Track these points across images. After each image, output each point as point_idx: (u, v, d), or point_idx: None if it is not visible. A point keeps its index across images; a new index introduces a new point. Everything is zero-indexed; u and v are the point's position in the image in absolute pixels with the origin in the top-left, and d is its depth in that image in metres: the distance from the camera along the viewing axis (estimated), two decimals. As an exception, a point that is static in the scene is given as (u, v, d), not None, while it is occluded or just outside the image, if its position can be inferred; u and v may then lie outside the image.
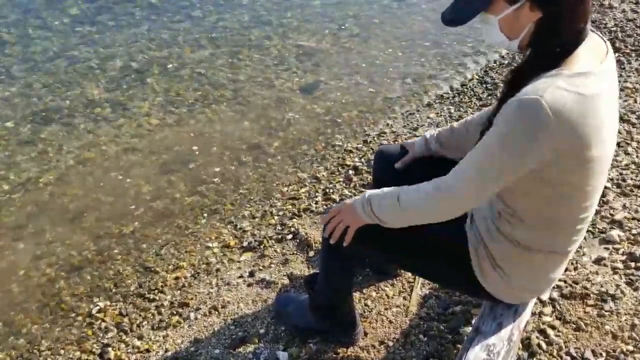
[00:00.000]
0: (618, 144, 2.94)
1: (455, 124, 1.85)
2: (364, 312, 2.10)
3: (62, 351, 2.11)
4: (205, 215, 2.83)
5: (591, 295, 2.03)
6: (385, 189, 1.52)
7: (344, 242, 1.60)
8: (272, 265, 2.42)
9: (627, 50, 4.05)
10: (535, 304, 2.00)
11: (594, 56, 1.27)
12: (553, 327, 1.92)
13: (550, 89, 1.16)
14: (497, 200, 1.46)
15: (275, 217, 2.75)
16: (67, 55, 4.44)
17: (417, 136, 3.35)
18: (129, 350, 2.07)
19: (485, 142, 1.28)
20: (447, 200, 1.37)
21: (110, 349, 2.08)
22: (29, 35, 4.74)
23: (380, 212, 1.49)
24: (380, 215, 1.49)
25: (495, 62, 4.29)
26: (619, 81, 3.60)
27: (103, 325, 2.21)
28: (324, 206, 2.76)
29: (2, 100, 3.83)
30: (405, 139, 3.33)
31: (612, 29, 4.41)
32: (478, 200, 1.36)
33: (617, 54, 4.01)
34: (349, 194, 2.83)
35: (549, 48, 1.23)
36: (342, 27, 4.96)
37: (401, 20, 5.06)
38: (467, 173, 1.32)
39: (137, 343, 2.09)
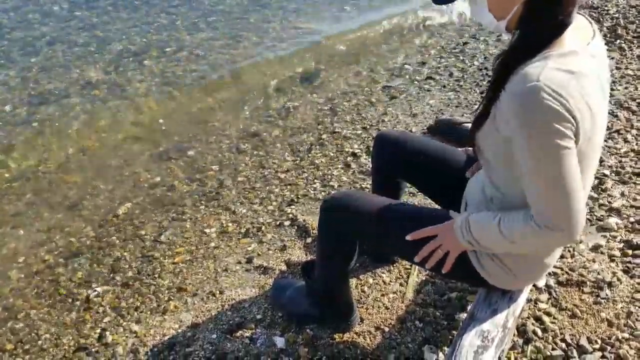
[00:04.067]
0: (617, 131, 2.93)
1: None
2: (361, 298, 2.10)
3: (60, 335, 2.12)
4: (204, 201, 2.83)
5: (587, 282, 2.03)
6: (482, 215, 1.41)
7: (442, 269, 1.52)
8: (270, 252, 2.42)
9: (629, 37, 4.02)
10: (531, 291, 2.00)
11: (580, 37, 1.26)
12: (549, 314, 1.92)
13: (544, 71, 1.15)
14: (489, 186, 1.46)
15: (274, 204, 2.76)
16: (66, 39, 4.43)
17: (418, 123, 3.35)
18: (126, 335, 2.08)
19: (528, 160, 1.21)
20: (561, 239, 1.28)
21: (108, 333, 2.09)
22: (28, 19, 4.73)
23: (483, 241, 1.41)
24: (483, 243, 1.41)
25: (495, 48, 4.27)
26: (620, 68, 3.58)
27: (101, 310, 2.22)
28: (322, 193, 2.76)
29: (1, 85, 3.82)
30: (406, 127, 3.32)
31: (614, 15, 4.38)
32: (583, 212, 1.26)
33: (618, 41, 3.99)
34: (347, 180, 2.83)
35: (538, 30, 1.22)
36: (343, 11, 4.93)
37: (401, 8, 5.03)
38: (548, 201, 1.24)
39: (135, 327, 2.11)
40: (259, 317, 2.07)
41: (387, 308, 2.05)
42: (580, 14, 1.33)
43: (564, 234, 1.25)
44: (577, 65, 1.19)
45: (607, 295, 1.98)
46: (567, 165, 1.19)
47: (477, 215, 1.42)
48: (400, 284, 2.16)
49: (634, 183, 2.54)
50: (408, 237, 1.53)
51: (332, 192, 2.75)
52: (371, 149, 2.07)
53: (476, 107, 1.63)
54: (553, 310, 1.94)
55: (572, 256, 2.18)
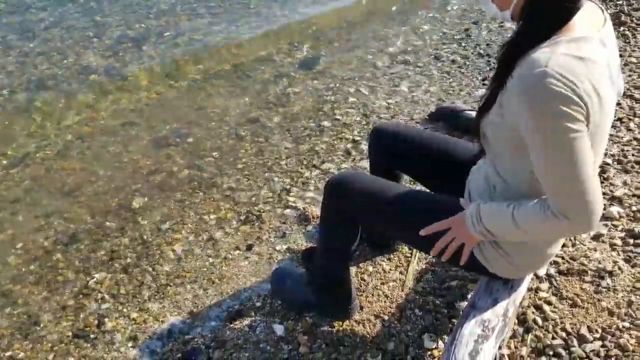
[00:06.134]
0: (620, 120, 2.91)
1: None
2: (361, 286, 2.09)
3: (59, 322, 2.11)
4: (203, 188, 2.81)
5: (588, 271, 2.02)
6: (494, 205, 1.39)
7: (460, 261, 1.52)
8: (270, 239, 2.41)
9: (633, 25, 3.98)
10: (532, 279, 1.99)
11: (590, 24, 1.24)
12: (549, 303, 1.92)
13: (553, 56, 1.12)
14: (493, 174, 1.44)
15: (273, 191, 2.74)
16: (64, 24, 4.39)
17: (418, 110, 3.32)
18: (125, 321, 2.08)
19: (542, 151, 1.18)
20: (579, 228, 1.26)
21: (107, 319, 2.09)
22: (26, 3, 4.69)
23: (496, 230, 1.38)
24: (496, 233, 1.39)
25: (497, 35, 4.23)
26: (624, 56, 3.55)
27: (100, 296, 2.21)
28: (322, 180, 2.74)
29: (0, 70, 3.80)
30: (407, 114, 3.30)
31: (618, 2, 4.33)
32: (600, 199, 1.23)
33: (622, 28, 3.95)
34: (348, 167, 2.81)
35: (542, 19, 1.19)
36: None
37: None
38: (564, 190, 1.21)
39: (134, 314, 2.10)
40: (258, 304, 2.06)
41: (386, 296, 2.05)
42: (592, 0, 1.30)
43: (582, 223, 1.22)
44: (587, 51, 1.16)
45: (608, 284, 1.97)
46: (579, 151, 1.15)
47: (489, 205, 1.39)
48: (400, 272, 2.15)
49: (636, 172, 2.52)
50: (422, 233, 1.51)
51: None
52: (368, 141, 2.05)
53: (481, 94, 1.61)
54: (554, 299, 1.94)
55: (573, 245, 2.17)
